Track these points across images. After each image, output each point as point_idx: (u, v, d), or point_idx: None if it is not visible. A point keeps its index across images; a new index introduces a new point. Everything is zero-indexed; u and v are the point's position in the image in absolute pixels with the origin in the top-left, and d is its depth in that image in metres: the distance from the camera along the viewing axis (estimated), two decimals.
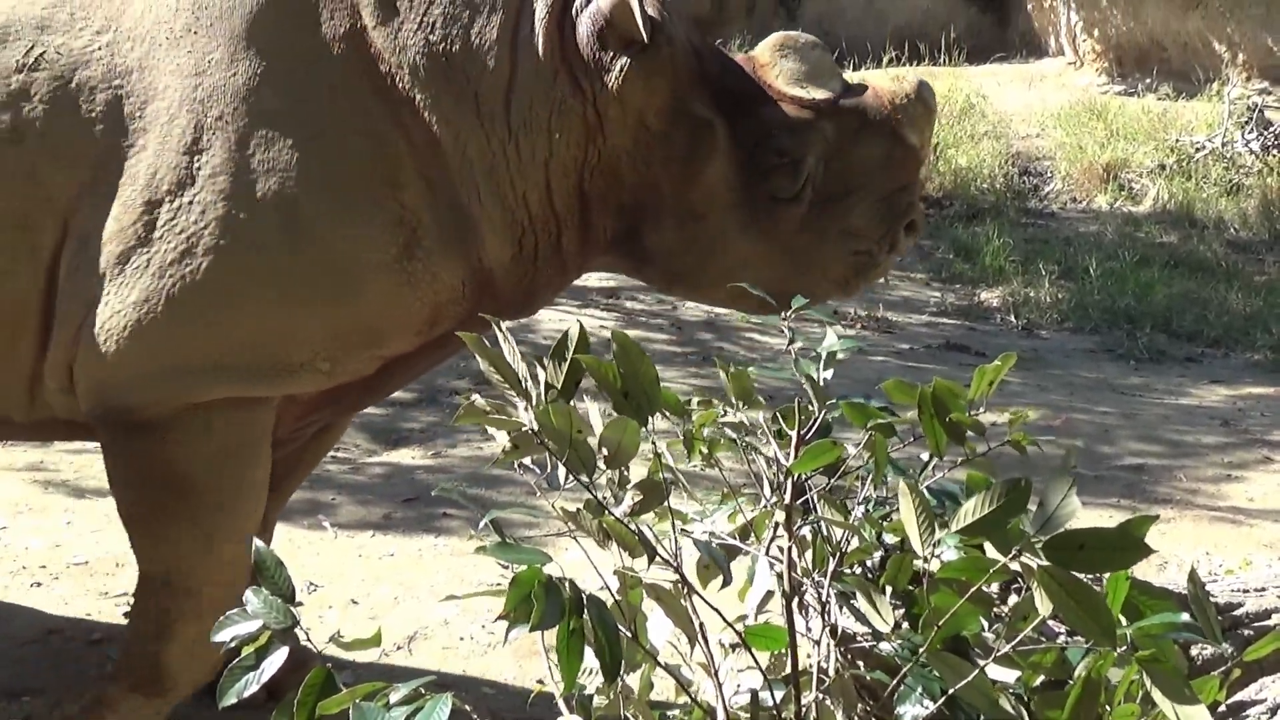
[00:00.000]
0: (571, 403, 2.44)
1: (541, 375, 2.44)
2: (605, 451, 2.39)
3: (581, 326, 2.46)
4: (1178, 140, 14.74)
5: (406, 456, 7.13)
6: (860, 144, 3.97)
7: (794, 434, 2.57)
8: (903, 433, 2.58)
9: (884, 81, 4.06)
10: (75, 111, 3.65)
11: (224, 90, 3.64)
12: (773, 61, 3.98)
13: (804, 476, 2.54)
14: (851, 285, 4.11)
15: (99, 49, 3.72)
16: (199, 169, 3.59)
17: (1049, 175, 14.83)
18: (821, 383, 2.62)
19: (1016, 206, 14.06)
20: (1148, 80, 16.83)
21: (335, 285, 3.64)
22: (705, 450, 2.68)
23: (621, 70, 3.77)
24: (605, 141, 3.84)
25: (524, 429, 2.41)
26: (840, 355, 2.68)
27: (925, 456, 2.60)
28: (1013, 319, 10.98)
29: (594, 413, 2.45)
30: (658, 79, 3.81)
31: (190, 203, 3.57)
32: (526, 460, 2.47)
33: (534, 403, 2.41)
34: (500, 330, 2.52)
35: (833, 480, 2.59)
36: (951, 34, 17.98)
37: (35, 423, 3.87)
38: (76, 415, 3.78)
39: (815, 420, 2.57)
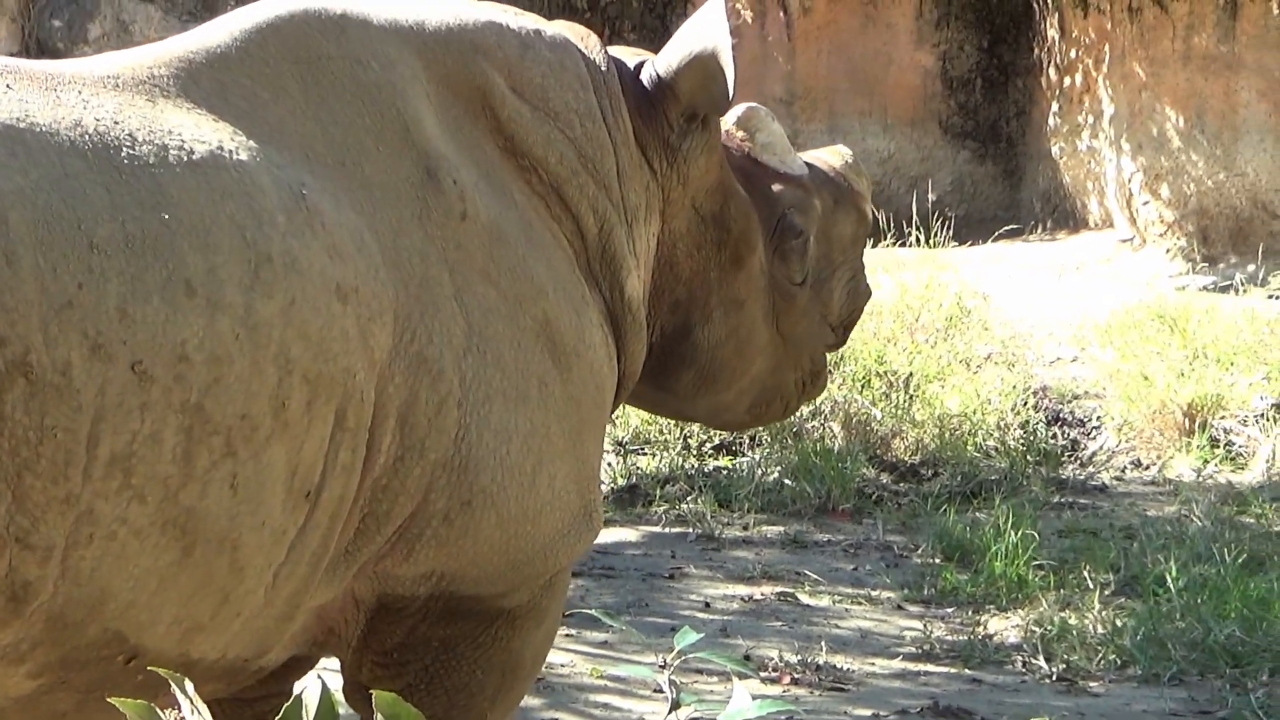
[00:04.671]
0: None
1: None
2: None
3: (324, 685, 2.52)
4: None
5: None
6: (837, 220, 5.69)
7: None
8: None
9: (828, 155, 5.82)
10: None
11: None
12: (749, 134, 5.49)
13: None
14: (808, 392, 5.88)
15: None
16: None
17: (1095, 424, 15.13)
18: None
19: (1044, 477, 14.28)
20: (1251, 266, 17.32)
21: (598, 398, 4.79)
22: None
23: (689, 146, 5.13)
24: (667, 228, 5.20)
25: None
26: None
27: None
28: (1042, 663, 11.12)
29: None
30: (712, 155, 5.22)
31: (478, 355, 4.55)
32: None
33: None
34: (184, 693, 2.58)
35: None
36: (930, 194, 18.34)
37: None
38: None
39: None
